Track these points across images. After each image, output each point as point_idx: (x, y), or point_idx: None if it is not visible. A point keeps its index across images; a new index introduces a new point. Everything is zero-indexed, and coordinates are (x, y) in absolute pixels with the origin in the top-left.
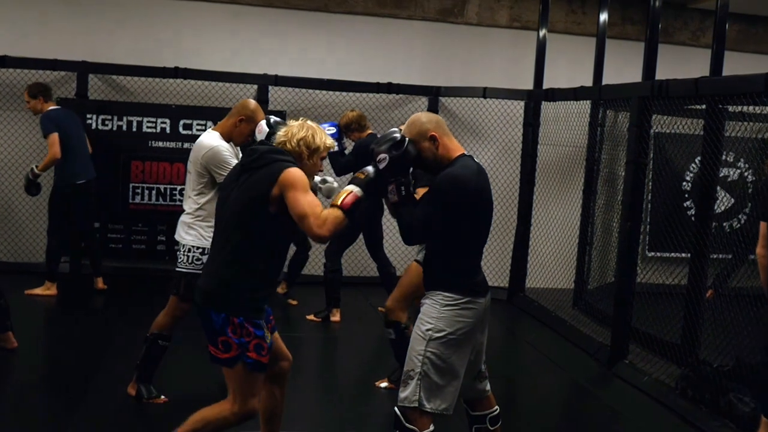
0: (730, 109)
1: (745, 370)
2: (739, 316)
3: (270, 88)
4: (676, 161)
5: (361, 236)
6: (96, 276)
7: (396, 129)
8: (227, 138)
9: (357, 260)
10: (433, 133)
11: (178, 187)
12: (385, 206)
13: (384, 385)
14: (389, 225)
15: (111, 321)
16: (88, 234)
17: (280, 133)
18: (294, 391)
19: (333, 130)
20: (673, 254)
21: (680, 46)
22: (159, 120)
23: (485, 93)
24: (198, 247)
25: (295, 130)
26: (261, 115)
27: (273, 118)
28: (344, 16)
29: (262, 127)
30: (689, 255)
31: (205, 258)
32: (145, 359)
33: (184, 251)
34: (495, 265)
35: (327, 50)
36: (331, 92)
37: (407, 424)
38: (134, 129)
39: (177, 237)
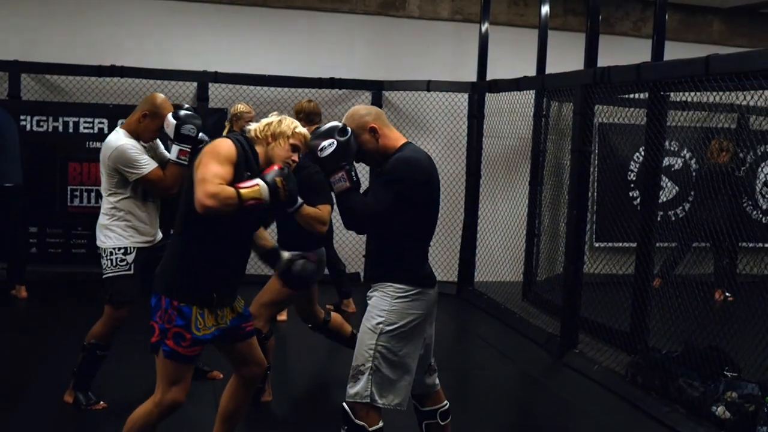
0: (673, 97)
1: (694, 355)
2: (687, 302)
3: (210, 85)
4: (621, 151)
5: None
6: (19, 284)
7: (335, 122)
8: (135, 135)
9: None
10: (372, 125)
11: None
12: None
13: None
14: (338, 222)
15: (50, 327)
16: (14, 240)
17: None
18: None
19: None
20: (620, 244)
21: (622, 36)
22: (96, 120)
23: (429, 86)
24: (119, 248)
25: (268, 118)
26: (167, 109)
27: (182, 110)
28: (284, 11)
29: (170, 121)
30: (636, 244)
31: (129, 257)
32: (81, 368)
33: (106, 255)
34: (443, 260)
35: (268, 46)
36: (272, 88)
37: (356, 420)
38: (71, 130)
39: (98, 243)
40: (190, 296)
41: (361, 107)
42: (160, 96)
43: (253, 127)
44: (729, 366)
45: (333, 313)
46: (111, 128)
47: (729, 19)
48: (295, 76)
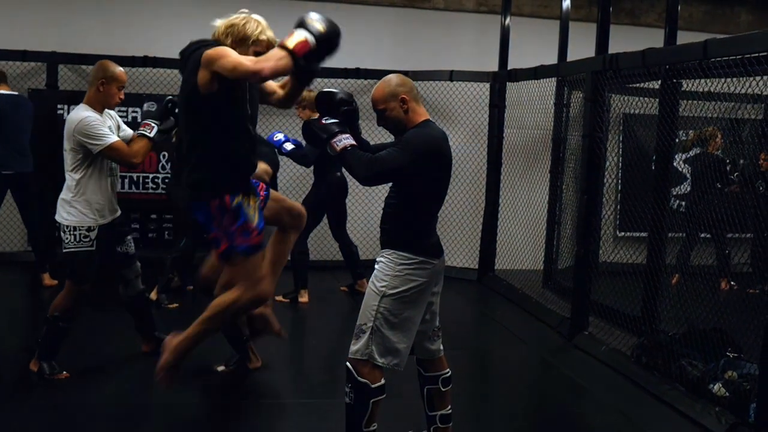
0: (701, 87)
1: (697, 336)
2: (699, 287)
3: None
4: (646, 143)
5: (325, 219)
6: (42, 272)
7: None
8: (100, 106)
9: (323, 244)
10: (403, 96)
11: (151, 176)
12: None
13: (221, 368)
14: (353, 207)
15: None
16: (33, 228)
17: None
18: (266, 366)
19: (280, 136)
20: (643, 234)
21: (647, 27)
22: (130, 109)
23: (452, 76)
24: (82, 226)
25: (231, 17)
26: (117, 68)
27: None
28: (312, 4)
29: None
30: (656, 232)
31: (92, 234)
32: (45, 339)
33: (69, 231)
34: (464, 247)
35: None
36: None
37: (359, 378)
38: None
39: (58, 218)
40: (231, 186)
41: (397, 77)
42: (106, 61)
43: (216, 24)
44: (731, 347)
45: None
46: (144, 117)
47: (757, 10)
48: (321, 66)
